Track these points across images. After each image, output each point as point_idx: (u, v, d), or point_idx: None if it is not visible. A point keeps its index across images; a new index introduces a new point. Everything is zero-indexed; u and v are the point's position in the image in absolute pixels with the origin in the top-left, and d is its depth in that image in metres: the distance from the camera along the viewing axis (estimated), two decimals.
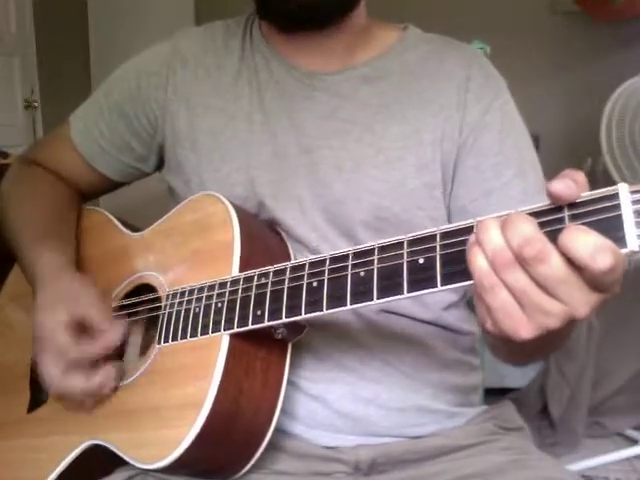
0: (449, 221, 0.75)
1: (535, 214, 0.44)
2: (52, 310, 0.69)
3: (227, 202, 0.71)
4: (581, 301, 0.42)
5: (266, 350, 0.66)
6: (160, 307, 0.72)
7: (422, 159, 0.73)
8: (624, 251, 0.40)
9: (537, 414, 1.79)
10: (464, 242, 0.47)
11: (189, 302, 0.68)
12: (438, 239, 0.50)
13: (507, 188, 0.72)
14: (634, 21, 2.55)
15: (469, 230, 0.47)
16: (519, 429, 0.81)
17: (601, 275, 0.40)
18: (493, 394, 1.06)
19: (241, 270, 0.65)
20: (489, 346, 0.69)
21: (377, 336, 0.74)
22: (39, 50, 2.78)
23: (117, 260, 0.81)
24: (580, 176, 0.43)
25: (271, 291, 0.61)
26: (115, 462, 0.68)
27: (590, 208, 0.42)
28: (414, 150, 0.74)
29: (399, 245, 0.52)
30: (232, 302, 0.64)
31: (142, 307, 0.76)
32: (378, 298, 0.52)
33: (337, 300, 0.55)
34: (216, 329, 0.64)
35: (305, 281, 0.58)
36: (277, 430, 0.68)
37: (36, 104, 2.75)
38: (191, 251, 0.72)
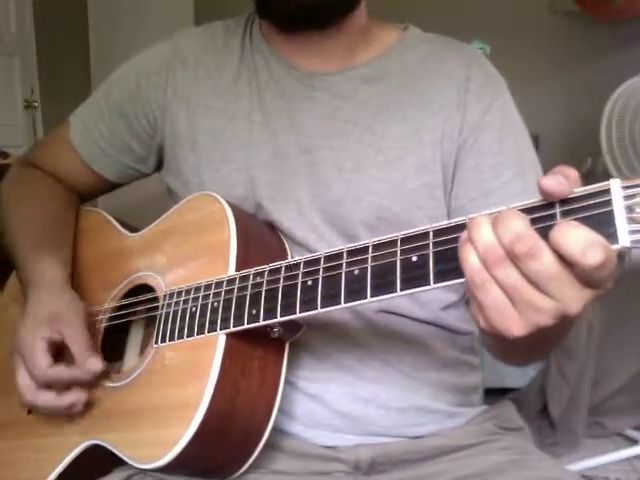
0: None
1: (527, 210, 0.44)
2: (35, 327, 0.70)
3: (224, 202, 0.71)
4: (572, 297, 0.42)
5: (263, 349, 0.66)
6: (157, 307, 0.72)
7: (422, 159, 0.73)
8: (615, 247, 0.40)
9: (537, 414, 1.79)
10: (456, 239, 0.46)
11: (186, 302, 0.68)
12: (431, 237, 0.49)
13: (506, 188, 0.72)
14: (634, 21, 2.55)
15: (461, 227, 0.47)
16: (519, 429, 0.81)
17: (592, 271, 0.40)
18: (493, 394, 1.06)
19: (237, 269, 0.65)
20: (485, 345, 0.69)
21: (376, 336, 0.74)
22: (39, 50, 2.78)
23: (115, 260, 0.81)
24: (572, 172, 0.43)
25: (266, 290, 0.61)
26: (115, 462, 0.68)
27: (582, 204, 0.42)
28: (414, 150, 0.74)
29: (392, 243, 0.52)
30: (228, 302, 0.64)
31: (140, 307, 0.76)
32: (372, 296, 0.52)
33: (331, 299, 0.55)
34: (212, 329, 0.64)
35: (300, 280, 0.58)
36: (275, 430, 0.68)
37: (36, 104, 2.75)
38: (188, 251, 0.72)
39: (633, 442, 1.80)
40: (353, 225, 0.74)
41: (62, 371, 0.69)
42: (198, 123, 0.79)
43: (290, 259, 0.62)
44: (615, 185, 0.41)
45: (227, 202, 0.71)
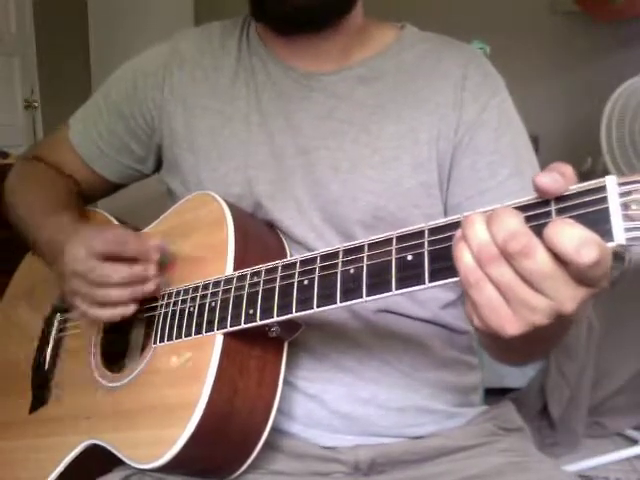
0: None
1: (522, 208, 0.43)
2: (82, 242, 0.68)
3: (222, 201, 0.71)
4: (567, 296, 0.42)
5: (261, 349, 0.66)
6: (156, 307, 0.72)
7: (418, 158, 0.73)
8: (611, 244, 0.40)
9: (537, 414, 1.79)
10: (452, 238, 0.46)
11: (184, 302, 0.68)
12: (426, 235, 0.49)
13: (503, 187, 0.72)
14: (634, 21, 2.56)
15: (457, 226, 0.47)
16: (519, 430, 0.80)
17: (586, 269, 0.39)
18: (493, 394, 1.06)
19: (236, 269, 0.65)
20: (482, 345, 0.69)
21: (375, 336, 0.74)
22: (39, 50, 2.78)
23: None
24: (568, 169, 0.42)
25: (263, 290, 0.61)
26: (114, 461, 0.69)
27: (577, 201, 0.41)
28: (410, 149, 0.74)
29: (388, 242, 0.52)
30: (225, 301, 0.64)
31: (140, 307, 0.76)
32: (367, 295, 0.52)
33: (327, 298, 0.55)
34: (210, 328, 0.64)
35: (296, 279, 0.58)
36: (274, 430, 0.68)
37: (36, 104, 2.76)
38: (187, 250, 0.72)
39: (633, 442, 1.80)
40: (350, 224, 0.74)
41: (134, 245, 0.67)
42: (196, 124, 0.79)
43: (288, 258, 0.61)
44: (611, 182, 0.40)
45: (225, 201, 0.71)
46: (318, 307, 0.56)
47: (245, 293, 0.62)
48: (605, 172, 1.92)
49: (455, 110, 0.74)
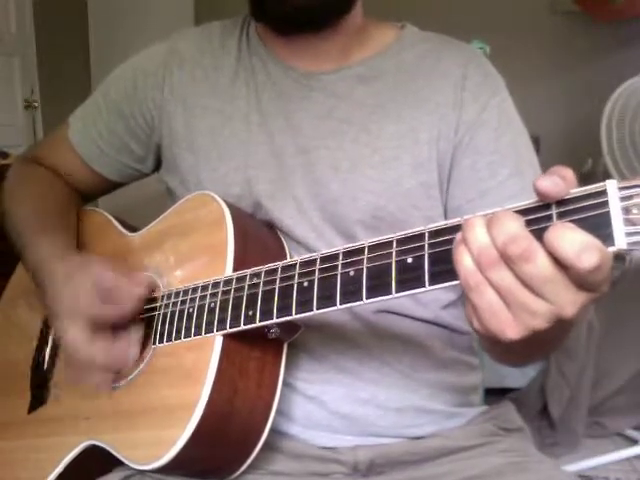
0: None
1: (522, 211, 0.43)
2: (70, 280, 0.68)
3: (221, 201, 0.71)
4: (567, 300, 0.41)
5: (260, 350, 0.66)
6: (156, 307, 0.72)
7: (418, 158, 0.73)
8: (612, 249, 0.40)
9: (537, 414, 1.79)
10: (452, 241, 0.46)
11: (183, 302, 0.68)
12: (426, 238, 0.49)
13: (503, 187, 0.72)
14: (634, 21, 2.56)
15: (457, 229, 0.46)
16: (519, 430, 0.80)
17: (587, 274, 0.39)
18: (493, 394, 1.05)
19: (235, 269, 0.65)
20: (482, 347, 0.68)
21: (375, 336, 0.74)
22: (39, 50, 2.78)
23: (115, 261, 0.81)
24: (568, 172, 0.42)
25: (263, 291, 0.61)
26: (114, 462, 0.68)
27: (578, 205, 0.41)
28: (410, 149, 0.73)
29: (388, 244, 0.52)
30: (224, 302, 0.64)
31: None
32: (367, 298, 0.52)
33: (327, 300, 0.55)
34: (209, 330, 0.64)
35: (296, 281, 0.58)
36: (273, 431, 0.68)
37: (36, 104, 2.76)
38: (186, 251, 0.72)
39: (633, 442, 1.80)
40: (350, 224, 0.74)
41: (116, 308, 0.67)
42: (196, 124, 0.79)
43: (288, 259, 0.61)
44: (611, 186, 0.40)
45: (225, 202, 0.71)
46: (318, 309, 0.55)
47: (244, 294, 0.62)
48: (606, 173, 1.92)
49: (455, 110, 0.74)
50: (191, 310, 0.67)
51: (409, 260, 0.50)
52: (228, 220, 0.69)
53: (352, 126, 0.75)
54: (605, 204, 0.40)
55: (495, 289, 0.43)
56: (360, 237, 0.73)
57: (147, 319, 0.74)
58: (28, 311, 0.88)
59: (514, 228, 0.41)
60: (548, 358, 1.74)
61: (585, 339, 1.73)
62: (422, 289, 0.48)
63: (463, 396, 0.80)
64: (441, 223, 0.49)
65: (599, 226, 0.40)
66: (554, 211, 0.42)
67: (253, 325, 0.61)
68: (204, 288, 0.66)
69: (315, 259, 0.57)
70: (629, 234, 0.39)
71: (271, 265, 0.61)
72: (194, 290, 0.68)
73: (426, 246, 0.49)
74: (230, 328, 0.62)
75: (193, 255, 0.71)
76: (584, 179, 0.42)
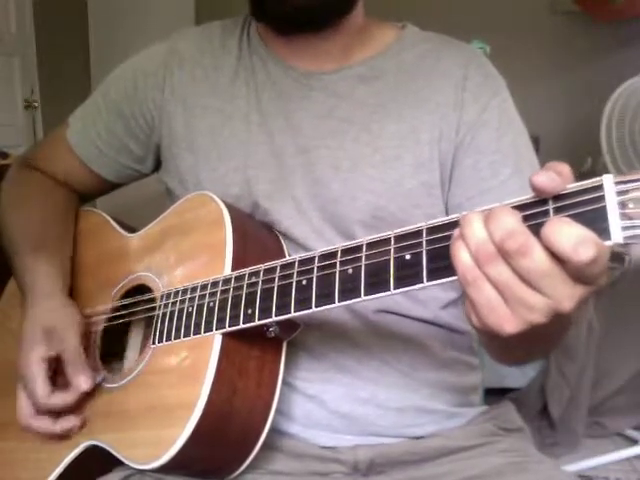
0: None
1: (519, 207, 0.43)
2: (32, 347, 0.72)
3: (220, 202, 0.71)
4: (565, 295, 0.42)
5: (260, 349, 0.66)
6: (155, 307, 0.72)
7: (419, 158, 0.73)
8: (608, 243, 0.40)
9: (537, 414, 1.79)
10: (449, 237, 0.46)
11: (182, 302, 0.68)
12: (424, 234, 0.49)
13: (504, 187, 0.72)
14: (634, 21, 2.56)
15: (455, 225, 0.47)
16: (519, 430, 0.80)
17: (583, 267, 0.40)
18: (493, 394, 1.06)
19: (234, 269, 0.65)
20: (481, 344, 0.68)
21: (374, 336, 0.74)
22: (39, 50, 2.78)
23: (113, 261, 0.81)
24: (565, 168, 0.42)
25: (261, 290, 0.61)
26: (114, 462, 0.68)
27: (575, 200, 0.41)
28: (411, 149, 0.73)
29: (386, 241, 0.52)
30: (223, 301, 0.64)
31: (138, 308, 0.76)
32: (365, 295, 0.52)
33: (326, 298, 0.55)
34: (208, 329, 0.64)
35: (294, 279, 0.58)
36: (273, 430, 0.68)
37: (36, 104, 2.75)
38: (185, 251, 0.72)
39: (633, 442, 1.80)
40: (350, 224, 0.73)
41: (61, 398, 0.71)
42: (196, 123, 0.79)
43: (286, 258, 0.61)
44: (608, 181, 0.40)
45: (224, 202, 0.71)
46: (317, 307, 0.56)
47: (243, 293, 0.62)
48: (605, 172, 1.91)
49: (456, 110, 0.74)
50: (190, 309, 0.67)
51: (407, 257, 0.50)
52: (227, 220, 0.69)
53: (353, 125, 0.75)
54: (601, 199, 0.40)
55: (493, 284, 0.43)
56: (360, 237, 0.72)
57: (146, 319, 0.74)
58: None
59: (511, 223, 0.41)
60: (548, 357, 1.75)
61: (585, 339, 1.73)
62: (420, 285, 0.48)
63: (463, 396, 0.80)
64: (439, 219, 0.49)
65: (595, 220, 0.40)
66: (551, 206, 0.42)
67: (252, 323, 0.61)
68: (203, 287, 0.67)
69: (313, 257, 0.57)
70: (625, 228, 0.39)
71: (270, 264, 0.62)
72: (193, 289, 0.68)
73: (424, 242, 0.49)
74: (229, 327, 0.62)
75: (192, 255, 0.71)
76: (583, 178, 0.42)
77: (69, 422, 0.72)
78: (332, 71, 0.77)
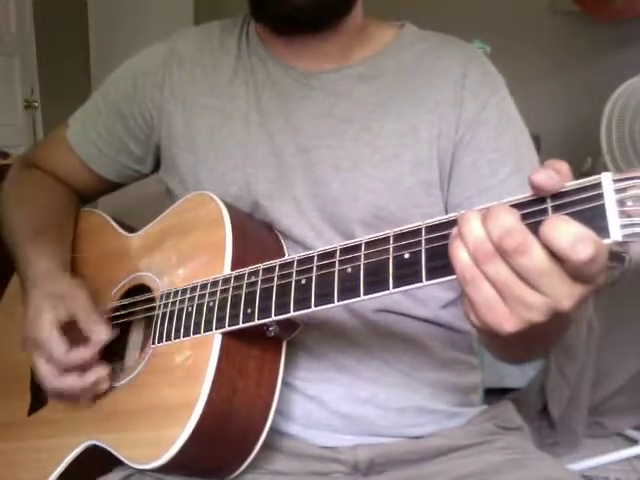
0: None
1: (518, 205, 0.43)
2: (42, 310, 0.70)
3: (219, 201, 0.71)
4: (563, 293, 0.42)
5: (260, 348, 0.66)
6: (155, 307, 0.72)
7: (418, 156, 0.73)
8: (607, 241, 0.40)
9: (537, 414, 1.79)
10: (448, 236, 0.46)
11: (182, 302, 0.68)
12: (423, 233, 0.49)
13: (504, 186, 0.72)
14: (634, 21, 2.56)
15: (453, 223, 0.47)
16: (519, 429, 0.80)
17: (582, 266, 0.39)
18: (493, 394, 1.06)
19: (233, 268, 0.65)
20: (481, 343, 0.68)
21: (374, 335, 0.74)
22: (39, 50, 2.78)
23: (114, 261, 0.81)
24: (563, 166, 0.42)
25: (261, 289, 0.61)
26: (114, 461, 0.68)
27: (573, 198, 0.41)
28: (410, 148, 0.73)
29: (385, 240, 0.52)
30: (223, 301, 0.64)
31: (138, 308, 0.76)
32: (365, 294, 0.52)
33: (325, 297, 0.55)
34: (208, 328, 0.64)
35: (294, 278, 0.58)
36: (273, 430, 0.68)
37: (36, 104, 2.75)
38: (185, 251, 0.72)
39: (633, 442, 1.80)
40: (350, 224, 0.73)
41: (81, 353, 0.68)
42: (195, 123, 0.79)
43: (285, 258, 0.61)
44: (606, 179, 0.40)
45: (223, 202, 0.71)
46: (316, 306, 0.56)
47: (243, 293, 0.62)
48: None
49: (455, 108, 0.74)
50: (190, 309, 0.67)
51: (406, 255, 0.50)
52: (226, 220, 0.69)
53: (352, 125, 0.75)
54: (600, 196, 0.40)
55: (491, 283, 0.43)
56: (359, 236, 0.72)
57: (146, 319, 0.74)
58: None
59: (509, 222, 0.41)
60: (548, 357, 1.75)
61: (585, 339, 1.73)
62: (419, 284, 0.48)
63: (463, 396, 0.80)
64: (437, 218, 0.49)
65: (594, 218, 0.40)
66: (549, 204, 0.42)
67: (252, 323, 0.61)
68: (203, 287, 0.67)
69: (312, 256, 0.57)
70: (624, 226, 0.39)
71: (269, 263, 0.62)
72: (193, 289, 0.68)
73: (423, 241, 0.49)
74: (229, 326, 0.62)
75: (192, 255, 0.71)
76: (583, 178, 0.42)
77: (96, 373, 0.69)
78: (332, 71, 0.77)
